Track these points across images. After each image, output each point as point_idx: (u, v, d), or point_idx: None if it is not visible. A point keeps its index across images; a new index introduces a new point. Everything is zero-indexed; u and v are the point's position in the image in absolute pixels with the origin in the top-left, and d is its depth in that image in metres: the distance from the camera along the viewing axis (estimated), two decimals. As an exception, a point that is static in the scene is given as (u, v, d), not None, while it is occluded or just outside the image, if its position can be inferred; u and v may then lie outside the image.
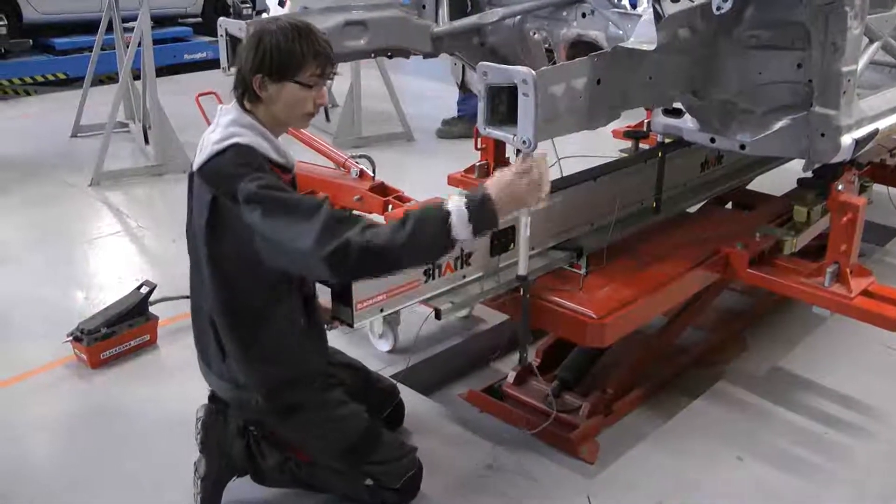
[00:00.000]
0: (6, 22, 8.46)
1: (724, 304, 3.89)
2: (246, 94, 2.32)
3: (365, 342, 3.62)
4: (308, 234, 2.08)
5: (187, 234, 2.48)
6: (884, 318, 2.98)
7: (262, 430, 2.63)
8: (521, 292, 2.82)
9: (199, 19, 10.63)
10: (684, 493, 2.78)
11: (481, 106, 2.25)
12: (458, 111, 7.01)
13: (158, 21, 8.44)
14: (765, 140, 2.80)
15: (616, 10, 3.16)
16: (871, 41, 2.88)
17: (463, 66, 4.18)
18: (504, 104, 2.24)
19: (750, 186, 4.30)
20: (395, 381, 3.10)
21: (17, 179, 5.86)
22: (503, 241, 2.93)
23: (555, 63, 3.38)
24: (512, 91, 2.19)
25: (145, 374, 3.50)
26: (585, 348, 3.20)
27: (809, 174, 3.23)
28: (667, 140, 3.45)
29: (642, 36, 2.54)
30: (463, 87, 6.14)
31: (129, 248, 4.88)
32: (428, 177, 4.86)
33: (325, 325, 2.64)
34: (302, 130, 4.02)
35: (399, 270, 2.33)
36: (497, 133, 2.26)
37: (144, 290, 3.70)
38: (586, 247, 3.14)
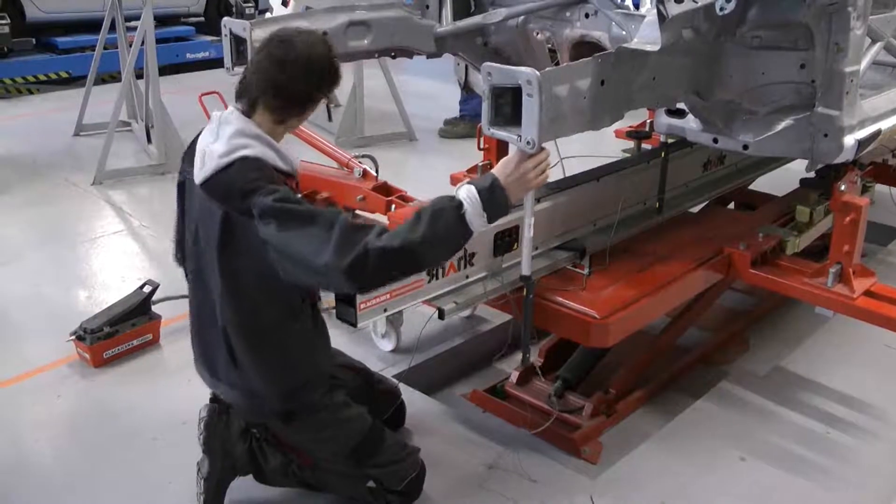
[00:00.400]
0: (9, 21, 8.46)
1: (726, 304, 3.89)
2: (258, 104, 2.31)
3: (368, 342, 3.63)
4: (326, 247, 2.07)
5: (184, 245, 2.46)
6: (887, 319, 2.98)
7: (264, 432, 2.62)
8: (525, 292, 2.81)
9: (202, 19, 10.64)
10: (687, 494, 2.78)
11: (485, 106, 2.24)
12: (461, 111, 7.01)
13: (161, 20, 8.42)
14: (768, 140, 2.80)
15: (619, 10, 3.16)
16: (874, 42, 2.88)
17: (466, 67, 4.17)
18: (508, 105, 2.23)
19: (752, 187, 4.30)
20: (396, 383, 3.10)
21: (20, 178, 5.87)
22: (506, 241, 2.93)
23: (558, 64, 3.39)
24: (516, 92, 2.19)
25: (148, 373, 3.50)
26: (588, 348, 3.21)
27: (812, 174, 3.24)
28: (669, 140, 3.45)
29: (646, 37, 2.54)
30: (466, 87, 6.13)
31: (132, 248, 4.89)
32: (430, 177, 4.87)
33: (322, 311, 2.62)
34: (305, 130, 4.02)
35: (420, 269, 2.34)
36: (501, 134, 2.26)
37: (147, 289, 3.71)
38: (589, 247, 3.14)
